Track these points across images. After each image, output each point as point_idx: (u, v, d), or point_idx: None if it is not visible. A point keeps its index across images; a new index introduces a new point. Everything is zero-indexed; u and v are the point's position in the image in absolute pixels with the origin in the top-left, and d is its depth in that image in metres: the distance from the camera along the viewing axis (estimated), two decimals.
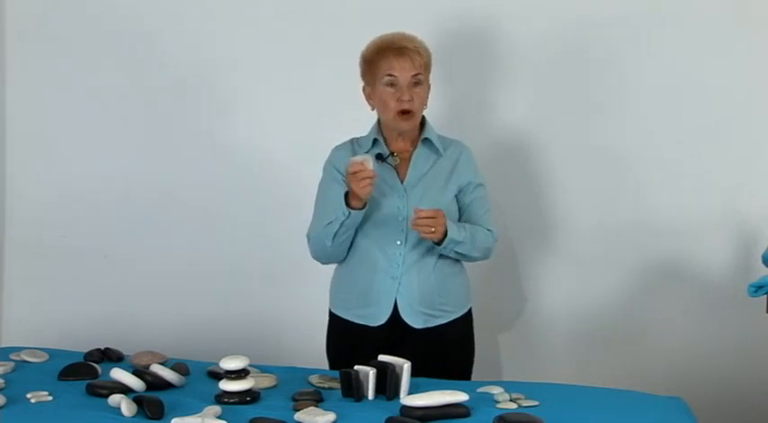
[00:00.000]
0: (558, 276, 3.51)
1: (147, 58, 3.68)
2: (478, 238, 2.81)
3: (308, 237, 2.87)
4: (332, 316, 2.95)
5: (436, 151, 2.87)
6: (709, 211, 3.36)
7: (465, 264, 2.94)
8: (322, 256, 2.89)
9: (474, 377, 2.94)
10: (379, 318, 2.83)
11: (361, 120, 2.91)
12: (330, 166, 2.89)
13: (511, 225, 3.50)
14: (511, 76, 3.45)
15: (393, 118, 2.81)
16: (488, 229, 2.86)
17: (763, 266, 2.78)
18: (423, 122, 2.89)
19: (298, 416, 2.36)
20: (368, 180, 2.65)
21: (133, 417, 2.37)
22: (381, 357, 2.56)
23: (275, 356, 3.13)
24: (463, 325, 2.92)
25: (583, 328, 3.50)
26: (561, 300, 3.51)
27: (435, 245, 2.75)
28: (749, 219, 3.33)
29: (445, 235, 2.72)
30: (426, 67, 2.81)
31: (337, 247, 2.82)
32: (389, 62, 2.77)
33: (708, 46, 3.32)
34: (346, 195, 2.73)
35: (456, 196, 2.86)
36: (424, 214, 2.67)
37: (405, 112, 2.78)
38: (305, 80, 3.55)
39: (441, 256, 2.83)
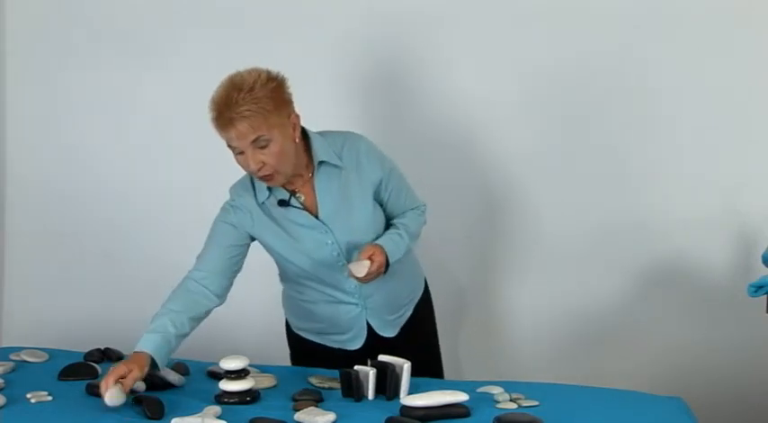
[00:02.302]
0: (558, 276, 3.50)
1: (146, 57, 3.68)
2: (413, 228, 2.72)
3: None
4: (297, 336, 2.88)
5: (335, 166, 2.63)
6: (709, 211, 3.36)
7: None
8: None
9: (473, 377, 2.94)
10: (355, 342, 2.78)
11: None
12: (225, 217, 2.70)
13: (509, 225, 3.50)
14: (509, 76, 3.45)
15: (259, 180, 2.59)
16: (414, 208, 2.76)
17: (763, 266, 2.78)
18: (307, 139, 2.62)
19: (298, 416, 2.36)
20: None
21: (133, 417, 2.38)
22: (381, 357, 2.56)
23: (275, 356, 3.13)
24: (424, 302, 2.89)
25: (582, 328, 3.50)
26: (561, 300, 3.51)
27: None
28: (749, 219, 3.33)
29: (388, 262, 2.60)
30: (269, 116, 2.45)
31: None
32: (222, 134, 2.50)
33: (708, 46, 3.32)
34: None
35: (375, 199, 2.70)
36: (370, 272, 2.54)
37: (263, 177, 2.55)
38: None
39: None
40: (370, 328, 2.77)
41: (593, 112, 3.43)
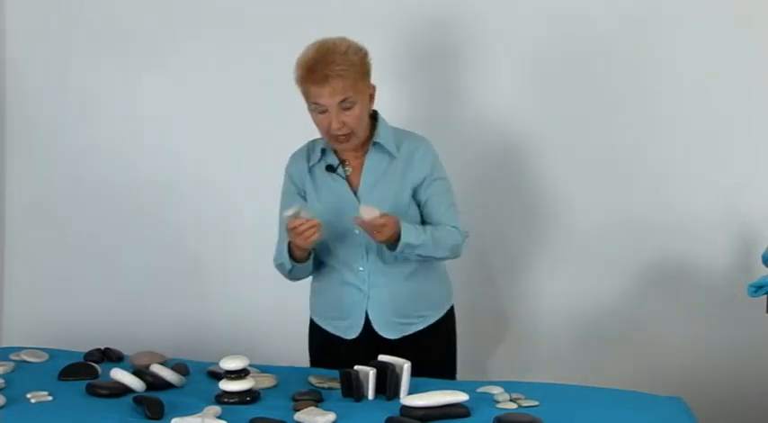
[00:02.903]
0: (557, 276, 3.50)
1: (146, 57, 3.68)
2: (441, 237, 2.70)
3: (274, 252, 2.81)
4: (312, 322, 2.92)
5: (389, 153, 2.74)
6: (709, 211, 3.36)
7: (443, 263, 2.87)
8: (288, 279, 2.85)
9: (472, 378, 2.93)
10: (352, 331, 2.79)
11: None
12: (287, 176, 2.83)
13: (509, 225, 3.50)
14: (509, 75, 3.45)
15: (329, 141, 2.72)
16: (453, 226, 2.74)
17: (763, 266, 2.78)
18: (375, 122, 2.76)
19: (298, 416, 2.36)
20: (310, 231, 2.57)
21: (133, 417, 2.38)
22: (381, 357, 2.56)
23: (275, 356, 3.13)
24: (444, 326, 2.85)
25: (582, 328, 3.50)
26: (561, 300, 3.51)
27: (389, 250, 2.65)
28: (749, 219, 3.33)
29: (398, 239, 2.61)
30: (357, 81, 2.62)
31: (295, 278, 2.81)
32: (312, 91, 2.62)
33: (708, 46, 3.32)
34: (290, 244, 2.65)
35: (413, 196, 2.75)
36: (373, 223, 2.54)
37: (338, 136, 2.67)
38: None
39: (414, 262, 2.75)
40: (368, 322, 2.77)
41: (592, 112, 3.43)
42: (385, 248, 2.70)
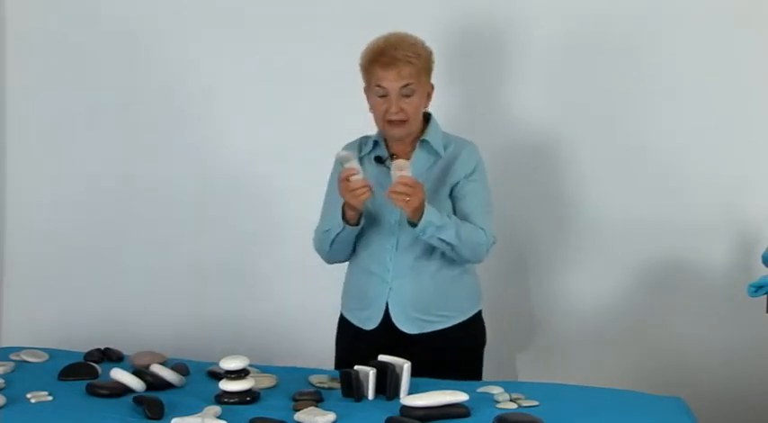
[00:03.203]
0: (558, 276, 3.50)
1: (146, 57, 3.68)
2: (466, 231, 2.71)
3: (314, 233, 2.88)
4: (341, 316, 2.96)
5: (436, 152, 2.82)
6: (709, 211, 3.36)
7: (473, 266, 2.89)
8: (323, 257, 2.89)
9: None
10: (372, 321, 2.82)
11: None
12: (337, 163, 2.86)
13: (508, 225, 3.49)
14: (517, 74, 3.45)
15: (384, 127, 2.79)
16: (481, 228, 2.76)
17: (763, 266, 2.78)
18: (427, 122, 2.85)
19: (298, 416, 2.36)
20: (362, 189, 2.63)
21: (133, 417, 2.38)
22: (381, 357, 2.56)
23: (276, 356, 3.13)
24: (467, 329, 2.86)
25: (583, 328, 3.50)
26: (561, 300, 3.51)
27: (412, 227, 2.67)
28: (749, 219, 3.33)
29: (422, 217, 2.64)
30: (421, 72, 2.74)
31: (335, 252, 2.84)
32: (378, 73, 2.72)
33: (707, 46, 3.32)
34: (344, 207, 2.72)
35: (450, 195, 2.80)
36: (404, 181, 2.58)
37: (394, 121, 2.75)
38: (314, 80, 3.55)
39: (441, 259, 2.79)
40: (388, 315, 2.79)
41: (592, 111, 3.43)
42: (412, 241, 2.75)
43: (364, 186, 2.64)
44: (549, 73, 3.44)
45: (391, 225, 2.79)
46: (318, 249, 2.87)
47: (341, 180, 2.66)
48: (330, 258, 2.89)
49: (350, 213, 2.72)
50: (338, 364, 2.90)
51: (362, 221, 2.75)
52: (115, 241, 3.77)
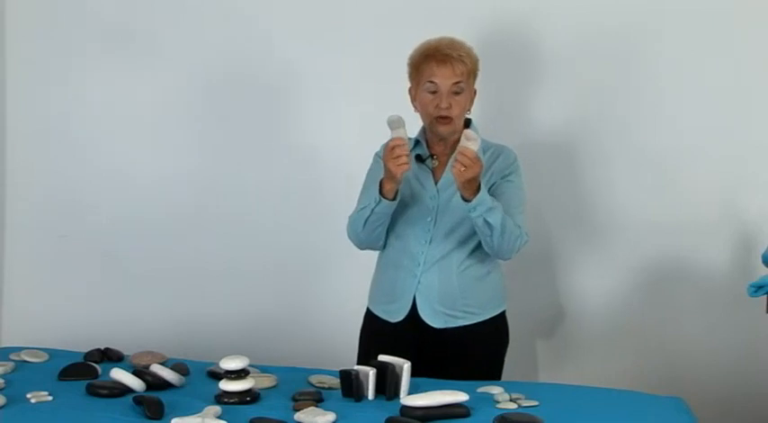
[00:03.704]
0: (557, 276, 3.50)
1: (146, 57, 3.68)
2: (508, 223, 2.75)
3: (348, 219, 2.90)
4: (367, 311, 3.00)
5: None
6: (709, 211, 3.36)
7: (499, 266, 2.93)
8: (354, 240, 2.92)
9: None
10: (398, 314, 2.86)
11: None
12: (377, 158, 2.92)
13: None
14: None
15: (431, 123, 2.84)
16: (518, 225, 2.80)
17: (763, 266, 2.78)
18: (468, 126, 2.88)
19: (298, 416, 2.36)
20: (404, 157, 2.67)
21: (133, 417, 2.38)
22: (381, 357, 2.56)
23: (275, 356, 3.13)
24: (491, 327, 2.90)
25: (582, 328, 3.50)
26: (561, 300, 3.51)
27: (465, 201, 2.70)
28: (749, 219, 3.33)
29: (477, 193, 2.67)
30: (470, 75, 2.83)
31: (368, 234, 2.86)
32: (431, 69, 2.80)
33: (707, 46, 3.32)
34: (382, 181, 2.75)
35: None
36: (466, 152, 2.61)
37: (442, 118, 2.80)
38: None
39: (469, 255, 2.84)
40: (415, 309, 2.83)
41: (592, 111, 3.43)
42: (444, 237, 2.82)
43: (406, 155, 2.67)
44: (559, 75, 3.43)
45: (426, 222, 2.85)
46: (352, 231, 2.89)
47: (388, 147, 2.68)
48: (363, 240, 2.90)
49: (388, 186, 2.74)
50: (362, 358, 2.93)
51: (398, 197, 2.78)
52: (115, 241, 3.77)
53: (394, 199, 2.77)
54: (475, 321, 2.86)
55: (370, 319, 2.97)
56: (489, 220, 2.71)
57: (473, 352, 2.85)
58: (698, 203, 3.37)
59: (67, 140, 3.78)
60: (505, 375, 2.96)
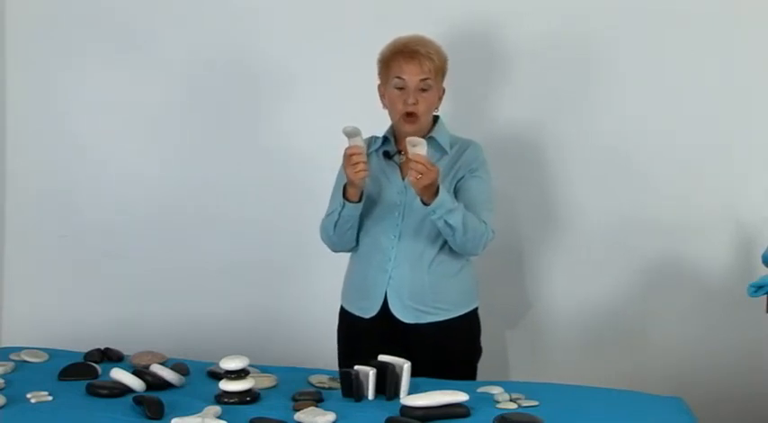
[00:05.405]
0: (557, 277, 3.50)
1: (146, 57, 3.68)
2: (470, 220, 2.76)
3: (320, 223, 2.93)
4: (341, 309, 3.01)
5: (442, 150, 2.89)
6: (709, 211, 3.36)
7: (471, 263, 2.93)
8: (328, 244, 2.95)
9: (478, 377, 2.93)
10: (371, 310, 2.87)
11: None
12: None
13: (507, 226, 3.49)
14: (513, 75, 3.44)
15: (398, 120, 2.86)
16: (482, 221, 2.81)
17: (763, 266, 2.78)
18: (435, 123, 2.93)
19: (298, 416, 2.36)
20: (361, 164, 2.71)
21: (133, 417, 2.38)
22: (381, 357, 2.56)
23: (275, 356, 3.13)
24: (462, 324, 2.90)
25: (582, 329, 3.50)
26: (560, 299, 3.51)
27: (424, 205, 2.72)
28: (749, 219, 3.33)
29: (434, 197, 2.69)
30: (438, 72, 2.85)
31: (340, 237, 2.89)
32: (399, 65, 2.83)
33: (708, 46, 3.32)
34: (345, 185, 2.79)
35: (454, 191, 2.85)
36: (419, 159, 2.63)
37: (409, 115, 2.83)
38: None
39: (439, 252, 2.85)
40: (386, 304, 2.84)
41: (592, 111, 3.43)
42: (414, 232, 2.84)
43: (364, 163, 2.72)
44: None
45: (395, 217, 2.87)
46: (324, 236, 2.93)
47: (346, 156, 2.73)
48: (335, 243, 2.93)
49: (351, 191, 2.79)
50: (341, 357, 2.96)
51: (363, 199, 2.81)
52: (115, 241, 3.77)
53: (359, 201, 2.81)
54: (446, 317, 2.87)
55: (344, 316, 2.99)
56: (450, 221, 2.73)
57: (445, 348, 2.86)
58: (698, 204, 3.37)
59: (67, 140, 3.77)
60: (509, 375, 2.97)
